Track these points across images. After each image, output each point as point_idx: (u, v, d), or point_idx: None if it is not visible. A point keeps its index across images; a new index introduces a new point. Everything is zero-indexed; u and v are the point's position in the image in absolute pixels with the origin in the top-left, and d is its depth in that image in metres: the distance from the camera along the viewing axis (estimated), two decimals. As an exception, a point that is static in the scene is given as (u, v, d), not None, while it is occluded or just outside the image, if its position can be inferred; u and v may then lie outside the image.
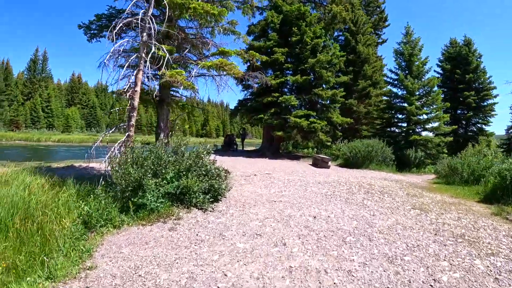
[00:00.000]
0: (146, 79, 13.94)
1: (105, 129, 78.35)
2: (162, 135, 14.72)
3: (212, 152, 11.96)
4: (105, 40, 14.48)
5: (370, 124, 34.13)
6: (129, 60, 12.71)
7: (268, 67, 27.57)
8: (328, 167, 20.62)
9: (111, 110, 14.04)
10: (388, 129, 30.33)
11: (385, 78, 32.33)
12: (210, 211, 9.28)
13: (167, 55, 12.07)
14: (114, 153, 11.51)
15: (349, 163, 22.37)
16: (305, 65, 26.19)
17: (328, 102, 27.78)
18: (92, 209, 8.24)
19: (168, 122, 15.44)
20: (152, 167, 9.36)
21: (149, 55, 11.76)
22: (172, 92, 16.06)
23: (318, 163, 21.78)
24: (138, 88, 11.95)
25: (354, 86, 32.40)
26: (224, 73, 13.97)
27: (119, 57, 13.49)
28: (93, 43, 17.35)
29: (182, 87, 14.15)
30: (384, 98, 31.71)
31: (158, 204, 8.77)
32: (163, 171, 9.45)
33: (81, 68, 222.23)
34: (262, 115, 26.07)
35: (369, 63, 33.66)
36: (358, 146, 22.38)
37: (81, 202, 8.81)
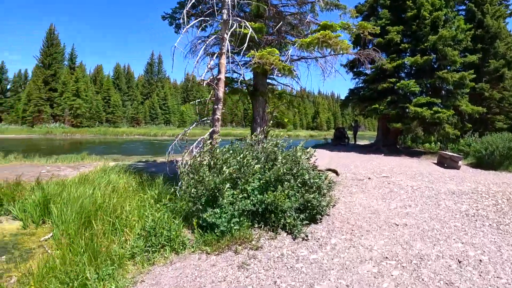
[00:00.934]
0: (235, 66, 11.88)
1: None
2: (258, 130, 12.50)
3: (314, 150, 9.28)
4: (194, 31, 12.64)
5: (505, 114, 28.75)
6: (206, 41, 10.60)
7: (381, 49, 23.96)
8: (458, 167, 16.77)
9: (195, 102, 12.04)
10: None
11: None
12: (304, 239, 6.72)
13: (251, 30, 9.62)
14: (191, 153, 9.67)
15: (483, 162, 18.00)
16: (425, 44, 22.07)
17: (453, 87, 23.21)
18: (157, 221, 6.98)
19: (265, 115, 13.12)
20: (233, 174, 7.02)
21: (229, 33, 9.51)
22: (269, 81, 13.72)
23: (445, 162, 17.99)
24: (222, 76, 9.84)
25: (483, 67, 27.17)
26: (329, 52, 11.20)
27: (202, 43, 11.48)
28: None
29: (276, 71, 11.81)
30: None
31: (232, 226, 6.58)
32: (245, 180, 7.02)
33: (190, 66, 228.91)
34: (376, 105, 22.65)
35: (500, 38, 28.06)
36: (496, 142, 17.94)
37: (152, 209, 8.04)
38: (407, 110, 22.25)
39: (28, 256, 7.86)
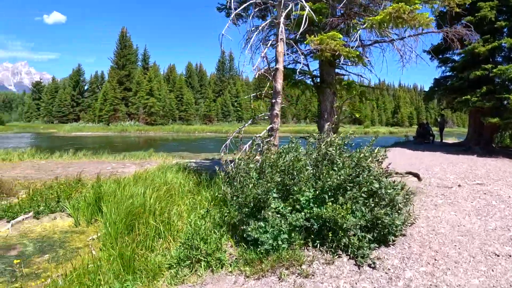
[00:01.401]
0: (297, 55, 10.69)
1: (290, 119, 78.95)
2: (325, 126, 11.23)
3: (384, 150, 7.84)
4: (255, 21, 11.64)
5: None
6: (260, 27, 9.53)
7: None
8: None
9: (250, 96, 11.31)
10: None
11: None
12: (370, 266, 5.33)
13: (307, 10, 8.38)
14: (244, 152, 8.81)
15: None
16: (528, 20, 19.19)
17: None
18: (200, 230, 6.27)
19: (334, 110, 11.78)
20: (280, 180, 5.84)
21: (284, 14, 8.36)
22: (337, 71, 12.33)
23: None
24: (279, 66, 8.76)
25: None
26: (405, 32, 9.66)
27: (256, 31, 10.36)
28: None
29: (344, 59, 10.43)
30: None
31: (280, 243, 5.41)
32: (297, 188, 5.78)
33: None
34: (468, 96, 20.04)
35: None
36: None
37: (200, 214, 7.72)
38: (506, 102, 19.60)
39: (72, 256, 7.97)
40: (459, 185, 10.31)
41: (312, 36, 8.81)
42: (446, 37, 11.63)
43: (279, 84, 8.74)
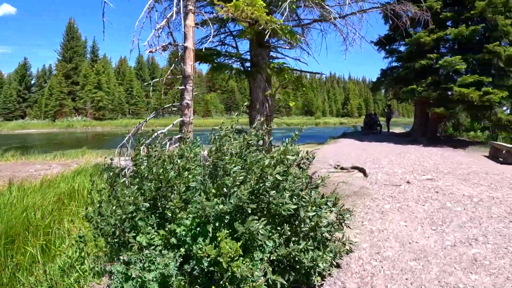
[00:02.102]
0: (224, 36, 8.91)
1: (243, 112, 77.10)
2: (257, 117, 9.48)
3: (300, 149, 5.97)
4: None
5: None
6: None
7: (418, 21, 20.41)
8: None
9: (150, 82, 8.78)
10: None
11: None
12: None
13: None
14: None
15: None
16: (471, 12, 18.19)
17: (505, 64, 19.16)
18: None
19: (268, 99, 10.03)
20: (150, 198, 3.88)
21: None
22: (273, 54, 10.60)
23: (501, 156, 14.45)
24: (189, 44, 6.84)
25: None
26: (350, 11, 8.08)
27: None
28: None
29: (277, 39, 8.77)
30: None
31: None
32: (170, 213, 3.75)
33: None
34: (413, 86, 18.94)
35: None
36: None
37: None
38: (450, 92, 18.70)
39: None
40: (408, 182, 8.79)
41: (219, 1, 6.90)
42: (392, 15, 10.03)
43: (189, 66, 6.88)
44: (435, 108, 18.56)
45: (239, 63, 9.92)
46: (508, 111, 20.53)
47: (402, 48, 22.40)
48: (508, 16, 18.51)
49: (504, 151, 14.18)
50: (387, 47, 22.97)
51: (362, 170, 10.40)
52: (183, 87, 7.04)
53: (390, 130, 28.81)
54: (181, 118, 7.19)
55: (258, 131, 4.58)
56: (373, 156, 13.62)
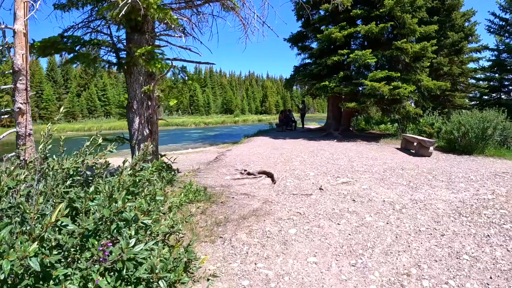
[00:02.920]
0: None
1: (162, 112, 73.88)
2: (136, 122, 7.62)
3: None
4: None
5: (463, 90, 25.74)
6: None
7: (329, 18, 19.51)
8: (429, 154, 12.78)
9: None
10: (493, 96, 20.66)
11: (485, 25, 22.56)
12: None
13: None
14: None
15: (455, 146, 14.08)
16: (380, 10, 17.63)
17: (413, 60, 18.90)
18: None
19: (151, 97, 8.12)
20: None
21: None
22: (158, 42, 8.73)
23: (412, 148, 14.09)
24: (19, 26, 4.75)
25: (440, 40, 23.18)
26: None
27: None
28: None
29: (160, 24, 6.97)
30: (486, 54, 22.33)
31: None
32: None
33: None
34: (326, 82, 17.97)
35: (457, 9, 24.39)
36: (470, 121, 13.85)
37: None
38: (361, 87, 18.24)
39: None
40: (320, 189, 7.37)
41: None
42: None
43: (20, 57, 4.77)
44: (348, 103, 17.71)
45: (113, 54, 7.90)
46: (413, 104, 20.28)
47: (314, 45, 21.54)
48: (415, 16, 18.28)
49: (415, 143, 13.80)
50: (299, 44, 22.07)
51: (270, 175, 8.89)
52: (15, 85, 4.90)
53: (305, 126, 28.05)
54: (15, 129, 5.08)
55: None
56: (285, 156, 12.26)
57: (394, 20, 17.55)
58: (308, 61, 22.13)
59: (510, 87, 19.49)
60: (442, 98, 24.69)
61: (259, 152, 13.87)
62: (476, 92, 24.48)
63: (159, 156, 7.98)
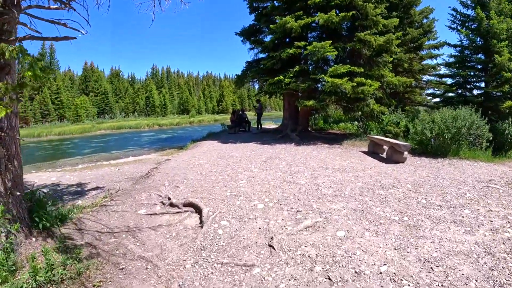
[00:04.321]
0: None
1: (118, 114, 69.68)
2: None
3: None
4: None
5: (425, 87, 24.14)
6: None
7: (284, 5, 16.60)
8: (403, 160, 10.41)
9: None
10: (458, 93, 18.42)
11: (449, 20, 20.35)
12: None
13: None
14: None
15: (427, 148, 11.82)
16: (341, -2, 14.98)
17: (375, 54, 16.28)
18: None
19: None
20: None
21: None
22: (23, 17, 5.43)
23: (382, 152, 11.90)
24: None
25: (399, 36, 20.83)
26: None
27: None
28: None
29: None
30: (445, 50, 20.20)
31: None
32: None
33: (93, 57, 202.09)
34: (280, 77, 15.05)
35: (416, 6, 22.54)
36: (445, 120, 11.58)
37: None
38: (320, 83, 15.70)
39: None
40: (271, 246, 4.34)
41: None
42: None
43: None
44: (305, 100, 14.85)
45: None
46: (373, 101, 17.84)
47: (268, 39, 18.35)
48: (377, 6, 15.80)
49: (385, 146, 11.64)
50: (252, 38, 18.88)
51: (198, 210, 5.84)
52: None
53: (262, 126, 24.21)
54: None
55: None
56: (231, 169, 9.37)
57: (356, 10, 14.90)
58: (261, 56, 19.01)
59: (475, 84, 17.28)
60: (401, 95, 22.51)
61: (200, 163, 10.86)
62: (435, 89, 22.42)
63: (20, 193, 4.75)
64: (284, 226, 5.00)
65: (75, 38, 4.41)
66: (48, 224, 4.98)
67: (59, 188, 10.69)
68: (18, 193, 4.68)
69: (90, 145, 31.83)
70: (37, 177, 12.80)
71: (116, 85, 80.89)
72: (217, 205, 6.10)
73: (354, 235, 4.66)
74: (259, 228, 4.97)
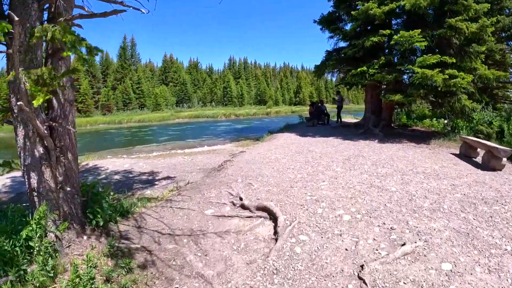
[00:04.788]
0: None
1: (196, 104, 71.62)
2: (20, 132, 3.95)
3: None
4: None
5: None
6: None
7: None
8: (501, 167, 8.76)
9: None
10: None
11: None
12: None
13: None
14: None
15: None
16: (428, -19, 13.22)
17: (466, 43, 14.15)
18: None
19: (56, 93, 4.39)
20: None
21: None
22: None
23: (473, 155, 10.38)
24: None
25: (494, 22, 18.18)
26: None
27: None
28: None
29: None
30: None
31: None
32: None
33: (172, 49, 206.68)
34: (364, 68, 13.81)
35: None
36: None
37: None
38: (405, 76, 14.50)
39: None
40: (361, 278, 3.48)
41: None
42: None
43: None
44: (391, 95, 13.51)
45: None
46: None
47: (348, 27, 16.97)
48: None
49: (479, 150, 10.19)
50: (331, 26, 17.48)
51: (273, 217, 5.09)
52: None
53: (342, 120, 22.49)
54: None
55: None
56: (310, 166, 8.57)
57: (445, -6, 13.22)
58: (342, 44, 17.72)
59: None
60: (490, 91, 19.85)
61: (277, 157, 10.17)
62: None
63: (72, 188, 4.35)
64: (377, 250, 4.06)
65: (124, 11, 3.87)
66: (101, 222, 4.54)
67: (130, 176, 10.61)
68: (68, 189, 4.27)
69: (167, 133, 32.62)
70: (112, 163, 12.88)
71: (194, 75, 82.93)
72: (295, 211, 5.33)
73: (462, 270, 3.63)
74: (346, 250, 4.08)
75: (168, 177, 9.89)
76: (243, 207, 5.63)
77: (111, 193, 5.88)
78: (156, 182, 9.49)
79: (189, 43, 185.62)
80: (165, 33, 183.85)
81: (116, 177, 10.83)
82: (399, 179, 7.13)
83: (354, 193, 6.19)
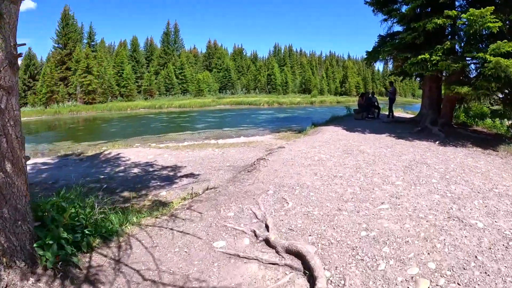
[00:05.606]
0: None
1: (239, 90, 70.86)
2: None
3: None
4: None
5: None
6: None
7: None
8: None
9: None
10: None
11: None
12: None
13: None
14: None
15: None
16: None
17: None
18: None
19: None
20: None
21: None
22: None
23: None
24: None
25: None
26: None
27: None
28: None
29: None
30: None
31: None
32: None
33: (216, 35, 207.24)
34: (426, 55, 11.76)
35: None
36: None
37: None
38: (472, 66, 12.61)
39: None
40: None
41: None
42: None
43: None
44: (457, 86, 11.47)
45: None
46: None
47: (404, 9, 14.73)
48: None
49: None
50: (385, 7, 15.24)
51: (309, 271, 3.48)
52: None
53: (394, 114, 20.21)
54: None
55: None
56: (363, 176, 6.94)
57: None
58: (397, 28, 15.82)
59: None
60: None
61: (321, 158, 8.62)
62: None
63: (26, 213, 2.98)
64: None
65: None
66: (50, 263, 3.18)
67: (151, 170, 9.93)
68: (6, 214, 2.91)
69: (206, 119, 31.78)
70: (135, 153, 12.29)
71: (238, 62, 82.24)
72: (344, 261, 3.65)
73: None
74: None
75: (191, 174, 9.06)
76: (268, 243, 4.03)
77: (96, 206, 4.60)
78: (176, 180, 8.66)
79: (234, 30, 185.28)
80: (209, 20, 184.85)
81: (135, 170, 10.03)
82: (481, 205, 5.21)
83: (428, 229, 4.37)
